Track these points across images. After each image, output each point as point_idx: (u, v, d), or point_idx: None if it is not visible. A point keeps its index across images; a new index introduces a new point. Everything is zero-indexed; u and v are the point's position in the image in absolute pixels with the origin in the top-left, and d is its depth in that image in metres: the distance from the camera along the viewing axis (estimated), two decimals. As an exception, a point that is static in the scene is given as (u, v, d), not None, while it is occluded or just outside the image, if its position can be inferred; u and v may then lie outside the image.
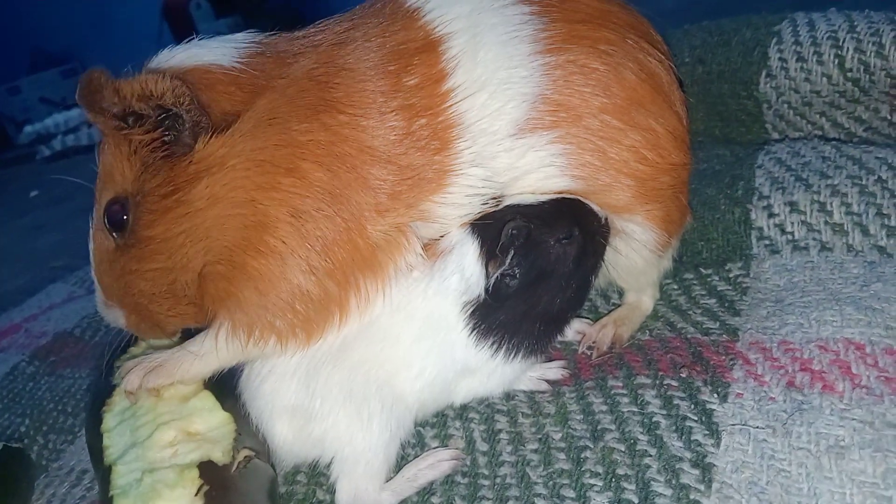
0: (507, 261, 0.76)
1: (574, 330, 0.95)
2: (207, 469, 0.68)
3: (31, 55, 5.93)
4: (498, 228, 0.77)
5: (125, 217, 0.76)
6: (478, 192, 0.80)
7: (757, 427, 0.69)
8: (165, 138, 0.75)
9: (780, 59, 1.22)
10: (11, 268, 2.29)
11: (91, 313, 1.45)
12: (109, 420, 0.78)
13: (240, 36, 0.82)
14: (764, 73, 1.25)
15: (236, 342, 0.77)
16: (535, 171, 0.82)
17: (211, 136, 0.74)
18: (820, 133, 1.23)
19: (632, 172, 0.83)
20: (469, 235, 0.79)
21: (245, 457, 0.71)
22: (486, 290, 0.77)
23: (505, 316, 0.79)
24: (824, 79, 1.17)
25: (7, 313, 1.66)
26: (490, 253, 0.77)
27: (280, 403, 0.78)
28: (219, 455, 0.70)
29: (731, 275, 0.98)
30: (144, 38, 5.05)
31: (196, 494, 0.65)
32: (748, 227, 1.00)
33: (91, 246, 0.81)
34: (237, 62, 0.77)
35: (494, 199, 0.81)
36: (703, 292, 0.97)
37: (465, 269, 0.78)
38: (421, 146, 0.77)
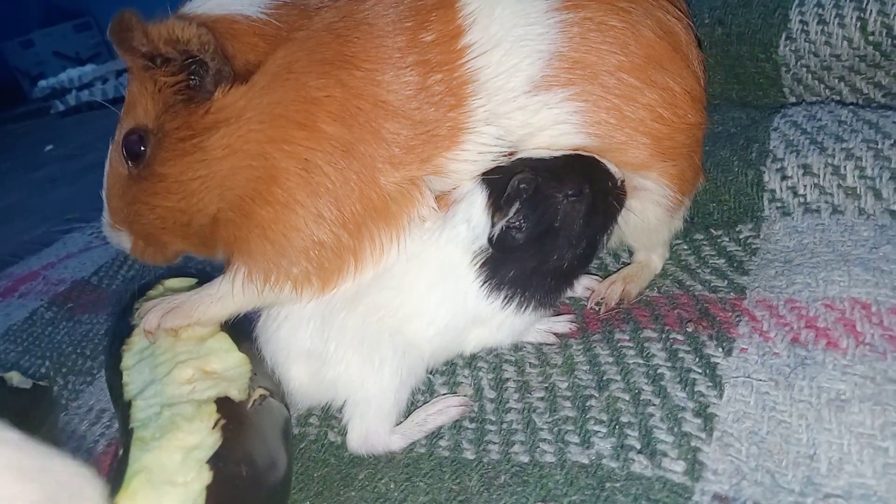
0: (512, 212, 0.77)
1: (583, 286, 0.96)
2: (224, 405, 0.70)
3: (45, 9, 5.90)
4: (506, 180, 0.78)
5: (142, 149, 0.78)
6: (490, 149, 0.81)
7: (760, 380, 0.70)
8: (189, 82, 0.76)
9: (800, 21, 1.20)
10: (27, 220, 2.32)
11: (108, 262, 1.48)
12: (129, 358, 0.81)
13: None
14: (784, 36, 1.23)
15: (252, 287, 0.79)
16: (549, 128, 0.82)
17: (231, 86, 0.75)
18: (838, 98, 1.22)
19: (648, 131, 0.83)
20: (479, 186, 0.80)
21: (260, 395, 0.74)
22: (490, 239, 0.78)
23: (514, 269, 0.80)
24: (845, 42, 1.16)
25: (25, 261, 1.69)
26: (496, 204, 0.78)
27: (295, 348, 0.81)
28: (235, 393, 0.72)
29: (741, 236, 0.98)
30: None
31: (213, 428, 0.67)
32: (760, 190, 1.00)
33: (106, 168, 0.83)
34: (263, 13, 0.78)
35: (507, 155, 0.82)
36: (713, 252, 0.98)
37: (473, 219, 0.79)
38: (435, 102, 0.78)
